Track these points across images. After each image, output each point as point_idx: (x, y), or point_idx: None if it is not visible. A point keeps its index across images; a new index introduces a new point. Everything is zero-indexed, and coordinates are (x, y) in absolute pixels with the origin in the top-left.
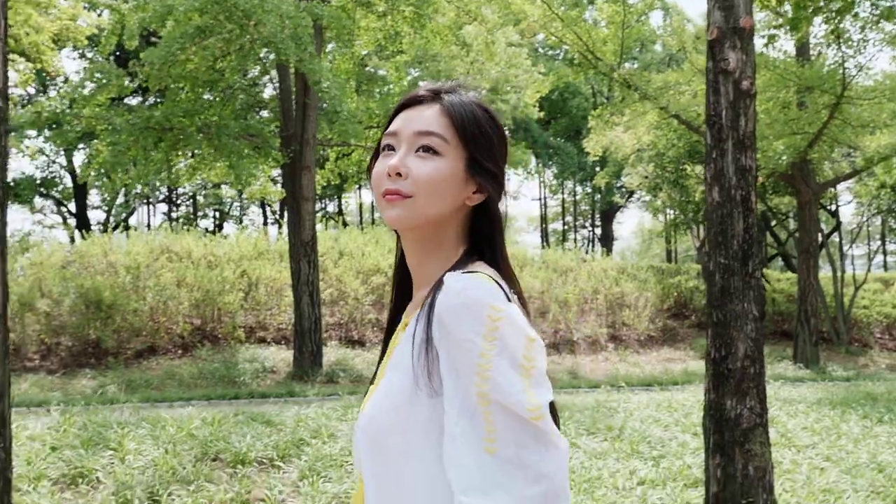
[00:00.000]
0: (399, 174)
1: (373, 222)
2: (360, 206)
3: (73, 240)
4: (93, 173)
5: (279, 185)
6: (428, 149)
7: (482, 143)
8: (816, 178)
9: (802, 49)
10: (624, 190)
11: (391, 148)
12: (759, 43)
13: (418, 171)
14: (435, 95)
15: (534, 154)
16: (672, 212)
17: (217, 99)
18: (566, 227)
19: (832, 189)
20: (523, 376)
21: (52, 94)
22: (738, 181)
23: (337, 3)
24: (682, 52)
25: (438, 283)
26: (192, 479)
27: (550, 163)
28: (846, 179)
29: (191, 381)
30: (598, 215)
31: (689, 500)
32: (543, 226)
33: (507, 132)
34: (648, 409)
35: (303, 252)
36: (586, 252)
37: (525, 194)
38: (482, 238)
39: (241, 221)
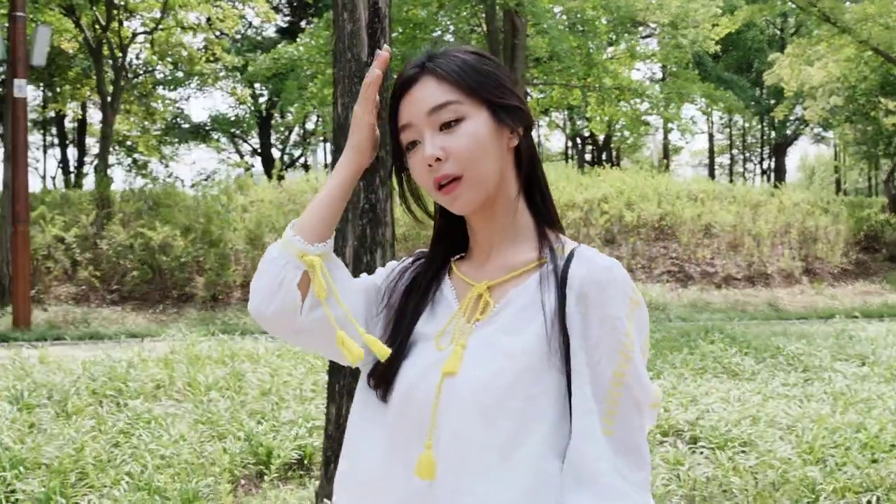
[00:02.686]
0: (439, 159)
1: (567, 159)
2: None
3: (270, 177)
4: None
5: None
6: (449, 123)
7: (490, 83)
8: None
9: None
10: (798, 123)
11: (413, 143)
12: None
13: (454, 146)
14: (421, 69)
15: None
16: (858, 145)
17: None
18: (733, 160)
19: None
20: (644, 363)
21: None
22: None
23: None
24: None
25: (567, 255)
26: None
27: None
28: None
29: None
30: (766, 149)
31: None
32: (711, 159)
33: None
34: (889, 338)
35: None
36: (775, 186)
37: (698, 129)
38: (527, 179)
39: None
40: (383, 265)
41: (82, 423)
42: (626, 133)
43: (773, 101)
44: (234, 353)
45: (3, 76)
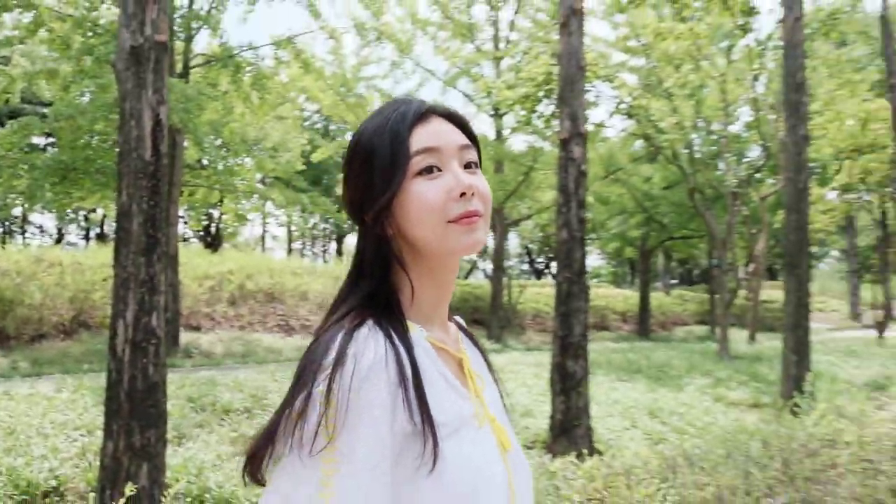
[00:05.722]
0: (472, 193)
1: None
2: None
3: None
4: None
5: None
6: (471, 164)
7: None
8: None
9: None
10: None
11: (433, 169)
12: None
13: (480, 185)
14: (431, 110)
15: None
16: None
17: None
18: None
19: None
20: None
21: None
22: None
23: None
24: None
25: (459, 321)
26: None
27: None
28: (524, 220)
29: None
30: None
31: None
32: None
33: None
34: None
35: None
36: None
37: None
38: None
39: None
40: (158, 326)
41: None
42: None
43: None
44: None
45: None
